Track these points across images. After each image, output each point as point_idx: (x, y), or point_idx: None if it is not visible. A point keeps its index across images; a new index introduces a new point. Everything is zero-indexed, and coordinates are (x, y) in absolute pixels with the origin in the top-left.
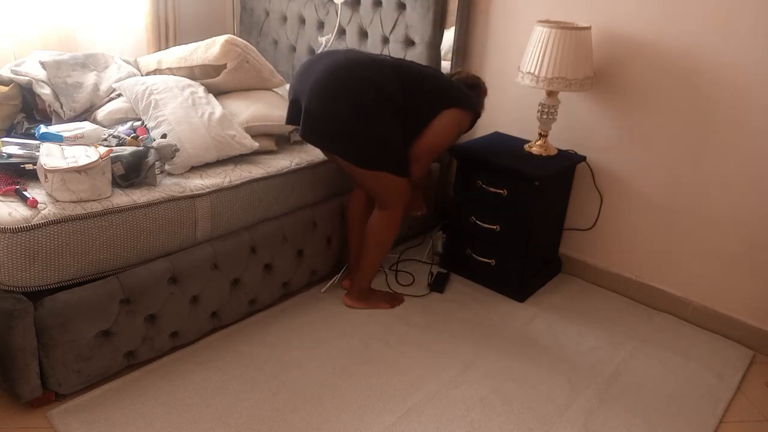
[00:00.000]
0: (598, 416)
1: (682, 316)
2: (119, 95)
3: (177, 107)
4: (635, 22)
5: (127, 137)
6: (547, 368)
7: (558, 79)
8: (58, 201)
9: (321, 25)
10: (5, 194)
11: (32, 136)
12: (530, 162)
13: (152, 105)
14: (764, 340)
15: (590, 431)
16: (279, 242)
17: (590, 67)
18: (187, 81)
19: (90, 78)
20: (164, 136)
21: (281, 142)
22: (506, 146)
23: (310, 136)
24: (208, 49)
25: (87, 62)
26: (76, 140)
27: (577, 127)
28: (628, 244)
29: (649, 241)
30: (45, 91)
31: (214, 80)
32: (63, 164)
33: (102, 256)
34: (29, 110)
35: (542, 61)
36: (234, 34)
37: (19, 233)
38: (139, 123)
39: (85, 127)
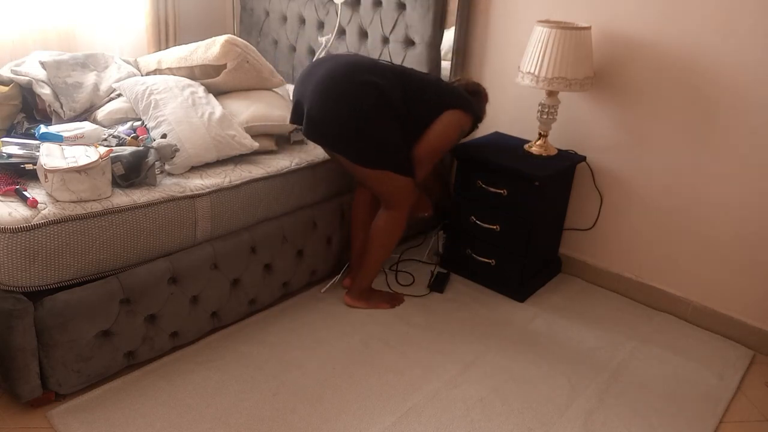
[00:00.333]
0: (598, 416)
1: (682, 316)
2: (119, 95)
3: (177, 107)
4: (635, 22)
5: (127, 137)
6: (547, 368)
7: (558, 79)
8: (58, 201)
9: (321, 25)
10: (5, 194)
11: (32, 136)
12: (530, 162)
13: (152, 105)
14: (764, 340)
15: (590, 431)
16: (279, 242)
17: (590, 67)
18: (187, 81)
19: (90, 78)
20: (164, 136)
21: (281, 142)
22: (506, 146)
23: (314, 136)
24: (208, 49)
25: (87, 62)
26: (76, 140)
27: (577, 127)
28: (628, 244)
29: (649, 241)
30: (45, 91)
31: (214, 80)
32: (63, 164)
33: (102, 256)
34: (29, 110)
35: (542, 61)
36: (234, 34)
37: (19, 233)
38: (139, 123)
39: (85, 127)
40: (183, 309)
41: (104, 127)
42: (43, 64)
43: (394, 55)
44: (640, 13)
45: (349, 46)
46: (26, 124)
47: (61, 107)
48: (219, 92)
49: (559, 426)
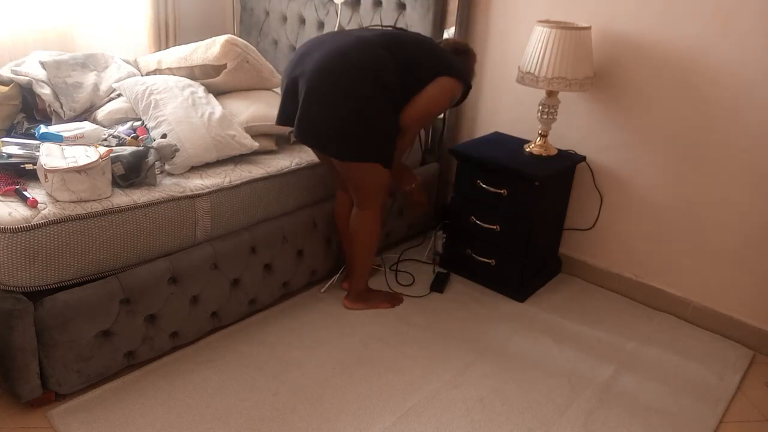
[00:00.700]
0: (598, 416)
1: (682, 316)
2: (119, 95)
3: (177, 107)
4: (635, 22)
5: (127, 137)
6: (547, 368)
7: (558, 79)
8: (58, 201)
9: (321, 25)
10: (5, 194)
11: (32, 136)
12: (530, 162)
13: (152, 105)
14: (764, 340)
15: (590, 431)
16: (279, 242)
17: (590, 67)
18: (187, 81)
19: (90, 78)
20: (164, 136)
21: (281, 142)
22: (506, 146)
23: (304, 139)
24: (208, 49)
25: (87, 62)
26: (76, 140)
27: (577, 127)
28: (628, 244)
29: (649, 241)
30: (45, 91)
31: (214, 80)
32: (63, 164)
33: (102, 256)
34: (29, 110)
35: (542, 61)
36: (234, 34)
37: (19, 233)
38: (139, 123)
39: (85, 127)
40: (183, 309)
41: (104, 127)
42: (43, 64)
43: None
44: (640, 13)
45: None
46: (26, 124)
47: (61, 107)
48: (219, 92)
49: (559, 426)
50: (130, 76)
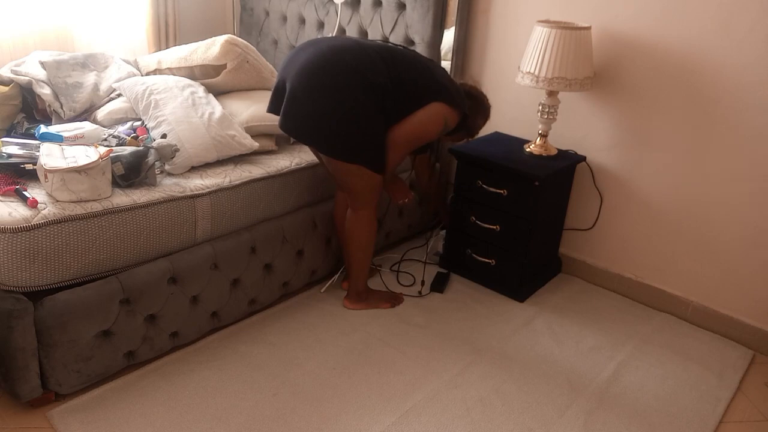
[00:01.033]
0: (598, 416)
1: (682, 316)
2: (119, 95)
3: (177, 107)
4: (635, 22)
5: (127, 137)
6: (547, 368)
7: (558, 79)
8: (58, 201)
9: (321, 25)
10: (5, 194)
11: (32, 136)
12: (530, 162)
13: (152, 105)
14: (764, 340)
15: (590, 431)
16: (279, 242)
17: (590, 67)
18: (187, 81)
19: (90, 78)
20: (164, 136)
21: (281, 142)
22: (506, 146)
23: (288, 130)
24: (208, 49)
25: (87, 62)
26: (76, 140)
27: (577, 127)
28: (628, 244)
29: (649, 241)
30: (45, 91)
31: (214, 80)
32: (63, 164)
33: (102, 256)
34: (29, 110)
35: (542, 61)
36: (234, 34)
37: (19, 233)
38: (139, 123)
39: (85, 127)
40: (183, 309)
41: (104, 127)
42: (43, 64)
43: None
44: (641, 13)
45: None
46: (26, 124)
47: (61, 107)
48: (219, 92)
49: (559, 426)
50: (130, 76)
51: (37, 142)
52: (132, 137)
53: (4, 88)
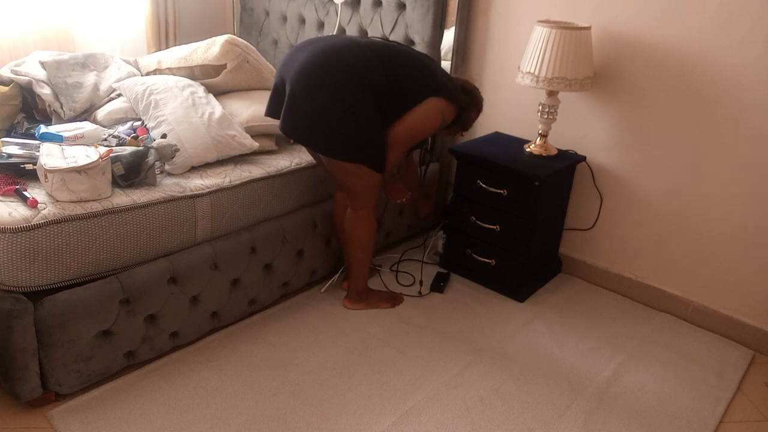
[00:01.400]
0: (598, 416)
1: (682, 316)
2: (119, 95)
3: (177, 107)
4: (635, 21)
5: (127, 137)
6: (547, 368)
7: (558, 79)
8: (58, 201)
9: (321, 25)
10: (5, 194)
11: (32, 136)
12: (530, 162)
13: (152, 105)
14: (764, 340)
15: (590, 431)
16: (279, 242)
17: (590, 67)
18: (187, 81)
19: (90, 78)
20: (164, 136)
21: (281, 142)
22: (506, 146)
23: (291, 132)
24: (208, 49)
25: (87, 62)
26: (76, 140)
27: (577, 127)
28: (628, 244)
29: (649, 241)
30: (45, 91)
31: (214, 80)
32: (63, 164)
33: (102, 256)
34: (29, 110)
35: (542, 61)
36: (234, 34)
37: (19, 233)
38: (139, 123)
39: (85, 127)
40: (183, 309)
41: (104, 127)
42: (43, 64)
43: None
44: (640, 13)
45: None
46: (26, 124)
47: (61, 107)
48: (219, 92)
49: (559, 426)
50: (130, 76)
51: (37, 142)
52: (132, 137)
53: (4, 88)
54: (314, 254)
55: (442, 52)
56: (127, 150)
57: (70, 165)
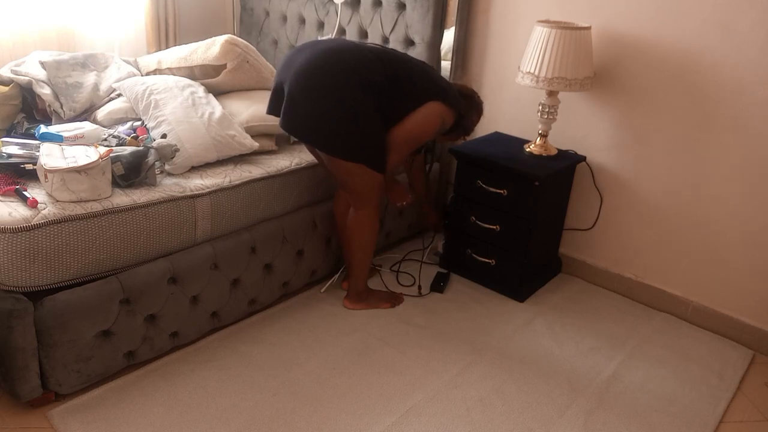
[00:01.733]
0: (598, 416)
1: (682, 316)
2: (119, 95)
3: (177, 107)
4: (635, 21)
5: (127, 137)
6: (547, 368)
7: (558, 79)
8: (58, 201)
9: (321, 25)
10: (5, 194)
11: (32, 136)
12: (530, 162)
13: (152, 105)
14: (764, 340)
15: (590, 431)
16: (279, 242)
17: (590, 67)
18: (187, 81)
19: (90, 78)
20: (164, 136)
21: (281, 142)
22: (506, 146)
23: (290, 129)
24: (208, 49)
25: (87, 62)
26: (76, 140)
27: (577, 127)
28: (628, 244)
29: (649, 241)
30: (45, 91)
31: (214, 80)
32: (63, 164)
33: (102, 256)
34: (29, 110)
35: (542, 61)
36: (234, 34)
37: (19, 233)
38: (139, 123)
39: (85, 127)
40: (183, 309)
41: (104, 127)
42: (43, 64)
43: None
44: (640, 13)
45: None
46: (26, 124)
47: (61, 107)
48: (219, 92)
49: (559, 426)
50: (130, 76)
51: (37, 142)
52: (132, 137)
53: (4, 88)
54: (314, 254)
55: (442, 52)
56: (127, 150)
57: (70, 165)
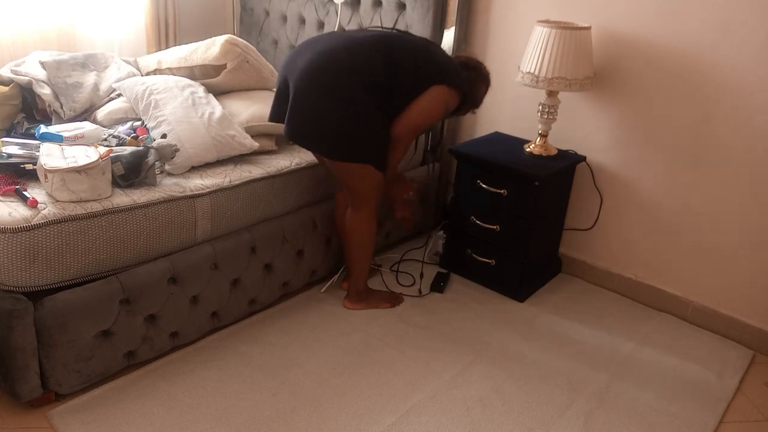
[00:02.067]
0: (598, 416)
1: (682, 316)
2: (119, 95)
3: (177, 107)
4: (635, 21)
5: (127, 137)
6: (547, 368)
7: (558, 79)
8: (58, 201)
9: (321, 25)
10: (5, 194)
11: (32, 136)
12: (530, 162)
13: (152, 105)
14: (764, 340)
15: (590, 431)
16: (279, 242)
17: (590, 67)
18: (187, 81)
19: (90, 78)
20: (164, 136)
21: (281, 142)
22: (506, 146)
23: (296, 138)
24: (208, 49)
25: (87, 62)
26: (76, 140)
27: (577, 127)
28: (628, 244)
29: (649, 241)
30: (45, 91)
31: (214, 80)
32: (63, 164)
33: (102, 256)
34: (29, 110)
35: (542, 61)
36: (234, 34)
37: (19, 233)
38: (139, 123)
39: (85, 127)
40: (183, 309)
41: (104, 127)
42: (43, 64)
43: None
44: (640, 13)
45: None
46: (26, 124)
47: (61, 107)
48: (219, 92)
49: (559, 426)
50: (130, 76)
51: (37, 142)
52: (132, 137)
53: (4, 88)
54: (314, 254)
55: None
56: (127, 150)
57: (70, 165)
